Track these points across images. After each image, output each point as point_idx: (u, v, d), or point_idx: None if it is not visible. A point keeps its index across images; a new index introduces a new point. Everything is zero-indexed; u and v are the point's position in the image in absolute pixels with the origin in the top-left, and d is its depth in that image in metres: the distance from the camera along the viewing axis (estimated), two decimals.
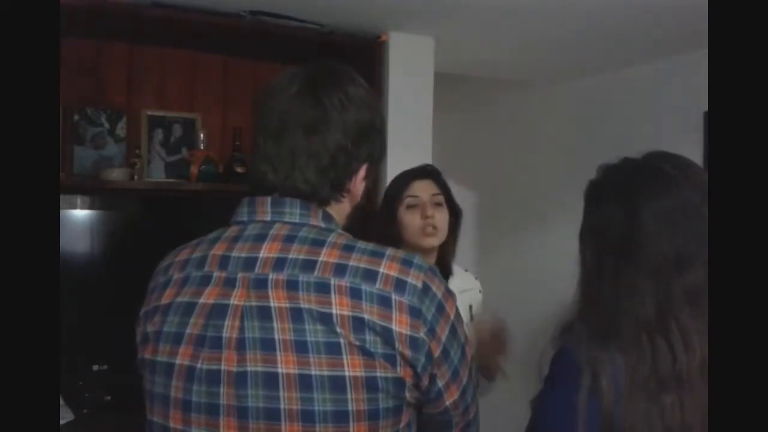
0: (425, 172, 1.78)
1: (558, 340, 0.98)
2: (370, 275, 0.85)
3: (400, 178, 1.79)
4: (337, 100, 0.92)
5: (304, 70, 0.97)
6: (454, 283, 1.79)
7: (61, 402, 1.89)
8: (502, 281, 2.79)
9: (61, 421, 1.84)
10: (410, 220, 1.71)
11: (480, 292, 1.88)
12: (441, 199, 1.73)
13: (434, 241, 1.70)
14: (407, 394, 0.85)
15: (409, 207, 1.72)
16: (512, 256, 3.35)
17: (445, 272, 1.77)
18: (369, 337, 0.82)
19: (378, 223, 1.77)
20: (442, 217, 1.72)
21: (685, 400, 0.88)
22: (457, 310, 0.92)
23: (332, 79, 0.95)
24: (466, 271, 1.90)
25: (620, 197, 0.97)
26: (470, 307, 1.81)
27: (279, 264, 0.86)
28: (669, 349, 0.90)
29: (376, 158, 0.99)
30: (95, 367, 2.15)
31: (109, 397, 2.08)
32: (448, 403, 0.91)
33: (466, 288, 1.82)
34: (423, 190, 1.73)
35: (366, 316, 0.82)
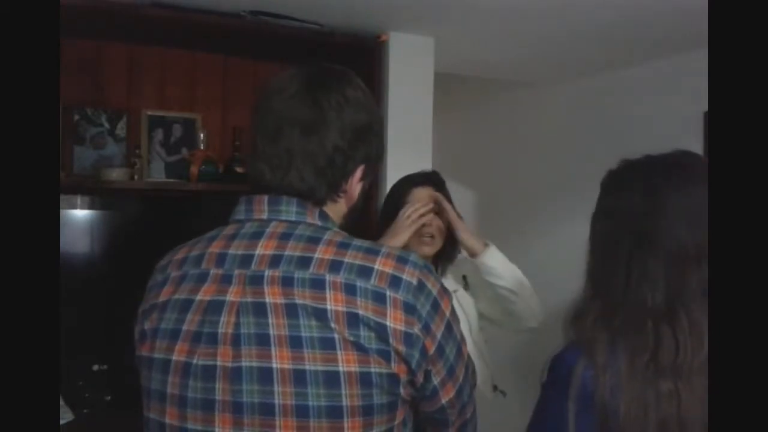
0: (426, 179, 1.77)
1: (570, 328, 0.98)
2: (365, 272, 0.85)
3: (400, 184, 1.79)
4: (334, 101, 0.93)
5: (302, 72, 0.97)
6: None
7: (61, 402, 1.89)
8: None
9: (61, 421, 1.84)
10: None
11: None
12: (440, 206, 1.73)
13: (430, 250, 1.71)
14: (402, 391, 0.86)
15: None
16: (512, 256, 3.34)
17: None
18: (363, 332, 0.83)
19: (377, 227, 1.77)
20: (440, 225, 1.72)
21: (682, 392, 0.88)
22: (453, 308, 0.92)
23: (330, 80, 0.96)
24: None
25: (643, 185, 0.97)
26: (464, 277, 1.82)
27: (275, 261, 0.87)
28: (673, 340, 0.89)
29: (374, 159, 0.99)
30: (95, 367, 2.15)
31: (109, 397, 2.08)
32: (444, 401, 0.91)
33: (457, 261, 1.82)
34: (422, 197, 1.73)
35: (360, 312, 0.83)
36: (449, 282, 1.77)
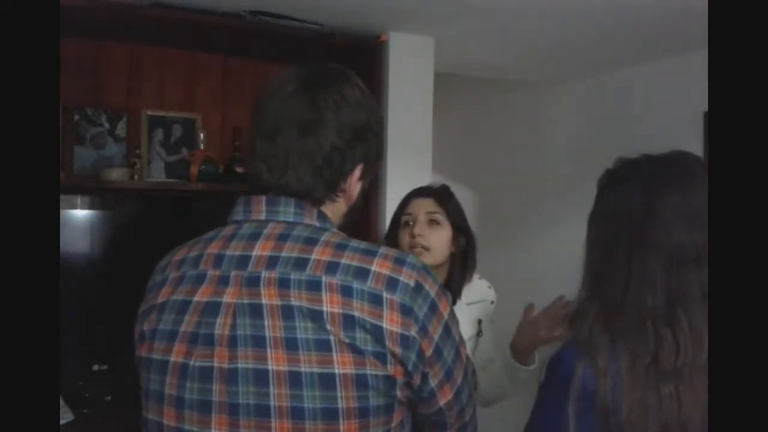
0: (428, 191, 1.71)
1: (568, 328, 0.97)
2: (362, 273, 0.85)
3: (404, 197, 1.73)
4: (331, 100, 0.93)
5: (300, 71, 0.97)
6: (460, 300, 1.71)
7: (61, 402, 1.89)
8: (502, 282, 2.78)
9: (61, 421, 1.84)
10: (401, 238, 1.66)
11: (492, 302, 1.77)
12: (439, 217, 1.65)
13: (427, 260, 1.58)
14: (398, 393, 0.85)
15: (404, 225, 1.67)
16: (512, 257, 3.34)
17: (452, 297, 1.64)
18: (359, 334, 0.82)
19: (387, 239, 1.74)
20: (436, 236, 1.63)
21: (683, 395, 0.88)
22: (452, 309, 0.92)
23: (327, 79, 0.96)
24: (480, 278, 1.79)
25: (640, 184, 0.96)
26: (479, 321, 1.73)
27: (272, 262, 0.86)
28: (674, 342, 0.89)
29: (372, 159, 0.99)
30: (95, 367, 2.15)
31: (109, 397, 2.08)
32: (441, 403, 0.91)
33: (475, 300, 1.73)
34: (419, 207, 1.66)
35: (356, 314, 0.83)
36: (465, 324, 1.62)
